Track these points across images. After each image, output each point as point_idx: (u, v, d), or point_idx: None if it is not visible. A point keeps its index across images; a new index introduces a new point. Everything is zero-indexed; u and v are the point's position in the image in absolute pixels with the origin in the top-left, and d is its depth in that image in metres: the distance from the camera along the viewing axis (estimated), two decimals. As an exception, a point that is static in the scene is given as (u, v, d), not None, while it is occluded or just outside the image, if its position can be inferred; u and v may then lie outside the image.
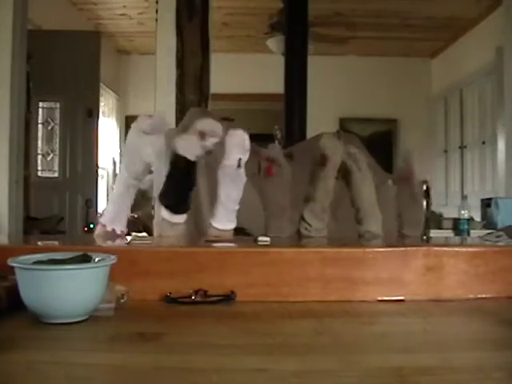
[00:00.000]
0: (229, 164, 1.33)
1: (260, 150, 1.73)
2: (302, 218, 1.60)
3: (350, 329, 0.86)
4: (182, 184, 1.38)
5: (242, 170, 1.34)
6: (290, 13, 4.17)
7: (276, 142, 4.43)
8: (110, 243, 1.28)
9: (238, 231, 1.48)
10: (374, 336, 0.81)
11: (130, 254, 1.03)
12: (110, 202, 1.47)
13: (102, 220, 1.40)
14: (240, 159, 1.33)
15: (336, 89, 6.39)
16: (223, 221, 1.36)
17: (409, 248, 1.08)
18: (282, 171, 1.70)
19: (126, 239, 1.34)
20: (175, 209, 1.37)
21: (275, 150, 1.75)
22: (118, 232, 1.37)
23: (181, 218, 1.38)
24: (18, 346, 0.71)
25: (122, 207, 1.40)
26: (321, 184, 1.57)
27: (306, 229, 1.59)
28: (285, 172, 1.71)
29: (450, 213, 4.00)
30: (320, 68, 5.43)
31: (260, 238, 1.21)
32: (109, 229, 1.37)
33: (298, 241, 1.56)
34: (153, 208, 3.23)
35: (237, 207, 1.36)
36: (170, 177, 1.38)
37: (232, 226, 1.37)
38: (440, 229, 3.47)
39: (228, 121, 3.17)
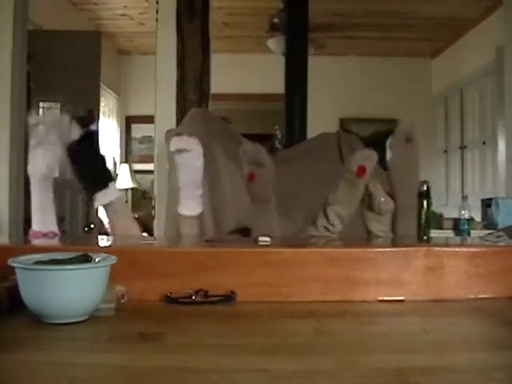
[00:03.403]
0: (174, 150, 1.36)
1: (245, 152, 1.73)
2: (325, 216, 1.59)
3: (350, 329, 0.86)
4: (91, 158, 1.36)
5: (195, 154, 1.35)
6: (290, 13, 4.17)
7: (276, 142, 4.44)
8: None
9: (242, 230, 1.49)
10: (374, 336, 0.81)
11: (130, 254, 1.03)
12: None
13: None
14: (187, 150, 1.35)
15: (336, 89, 6.39)
16: (184, 207, 1.39)
17: (409, 248, 1.08)
18: (265, 173, 1.70)
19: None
20: (94, 188, 1.37)
21: (259, 151, 1.74)
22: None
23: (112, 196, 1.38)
24: (18, 346, 0.71)
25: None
26: (352, 191, 1.57)
27: (327, 229, 1.59)
28: (268, 174, 1.71)
29: (450, 213, 4.00)
30: (320, 68, 5.43)
31: (260, 238, 1.22)
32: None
33: (304, 240, 1.56)
34: (153, 208, 3.24)
35: (198, 193, 1.39)
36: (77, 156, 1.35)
37: (193, 212, 1.39)
38: (440, 229, 3.47)
39: (226, 121, 3.17)
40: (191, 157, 1.39)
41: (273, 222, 1.71)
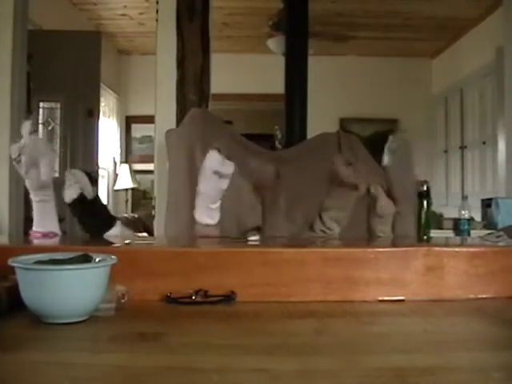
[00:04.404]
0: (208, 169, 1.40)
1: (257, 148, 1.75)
2: (322, 222, 1.62)
3: (350, 329, 0.86)
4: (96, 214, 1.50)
5: (226, 180, 1.40)
6: (290, 13, 4.16)
7: (276, 142, 4.43)
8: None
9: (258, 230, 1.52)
10: (375, 336, 0.81)
11: (130, 254, 1.03)
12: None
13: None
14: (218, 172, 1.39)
15: (336, 89, 6.39)
16: (203, 216, 1.46)
17: (409, 248, 1.08)
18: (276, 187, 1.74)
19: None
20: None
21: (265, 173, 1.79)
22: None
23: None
24: (18, 346, 0.71)
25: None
26: (346, 195, 1.60)
27: (324, 231, 1.61)
28: (279, 187, 1.74)
29: (450, 213, 4.00)
30: (320, 68, 5.42)
31: (250, 238, 1.23)
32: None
33: (304, 240, 1.56)
34: (153, 208, 3.24)
35: (215, 206, 1.45)
36: None
37: (212, 221, 1.46)
38: (440, 229, 3.47)
39: (227, 123, 3.18)
40: (224, 181, 1.42)
41: (279, 224, 1.73)
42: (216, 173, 1.41)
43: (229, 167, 1.41)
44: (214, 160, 1.40)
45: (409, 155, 1.74)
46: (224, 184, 1.43)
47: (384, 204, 1.57)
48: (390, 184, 1.65)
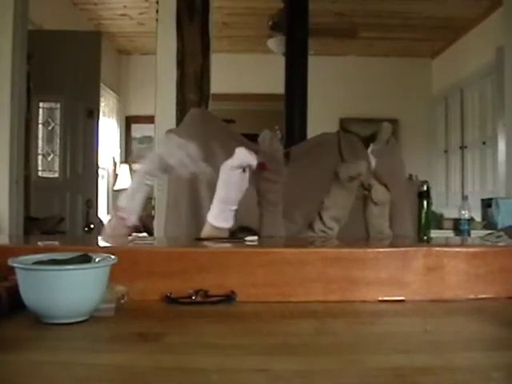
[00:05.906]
0: (236, 165, 1.34)
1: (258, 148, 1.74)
2: (322, 221, 1.62)
3: (350, 329, 0.86)
4: None
5: (247, 174, 1.35)
6: (291, 13, 4.17)
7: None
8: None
9: (244, 230, 1.50)
10: (375, 336, 0.81)
11: (130, 254, 1.03)
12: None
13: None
14: (248, 166, 1.34)
15: (336, 89, 6.39)
16: (219, 218, 1.39)
17: (409, 248, 1.08)
18: (277, 168, 1.71)
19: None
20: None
21: (274, 145, 1.75)
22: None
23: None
24: (18, 346, 0.71)
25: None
26: (346, 194, 1.60)
27: (324, 231, 1.61)
28: (280, 169, 1.72)
29: (450, 213, 4.00)
30: (320, 68, 5.42)
31: (247, 238, 1.23)
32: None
33: (304, 240, 1.56)
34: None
35: (234, 207, 1.38)
36: None
37: (228, 225, 1.39)
38: (440, 229, 3.47)
39: (229, 122, 3.19)
40: (245, 176, 1.38)
41: (280, 225, 1.72)
42: (243, 168, 1.36)
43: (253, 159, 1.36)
44: (243, 155, 1.35)
45: (396, 146, 1.75)
46: (246, 180, 1.39)
47: (379, 190, 1.57)
48: (376, 171, 1.65)
